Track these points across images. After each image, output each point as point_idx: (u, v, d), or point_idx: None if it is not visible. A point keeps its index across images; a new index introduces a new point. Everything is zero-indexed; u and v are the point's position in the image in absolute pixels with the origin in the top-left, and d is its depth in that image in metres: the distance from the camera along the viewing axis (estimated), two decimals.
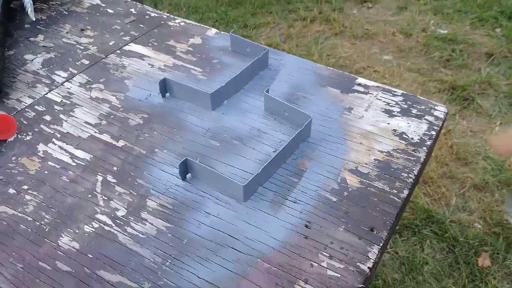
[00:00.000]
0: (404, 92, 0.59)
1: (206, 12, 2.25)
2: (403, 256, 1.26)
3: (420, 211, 1.35)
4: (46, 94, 0.60)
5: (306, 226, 0.43)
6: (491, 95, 1.73)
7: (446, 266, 1.21)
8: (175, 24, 0.74)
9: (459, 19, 2.12)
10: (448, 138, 1.57)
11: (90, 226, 0.43)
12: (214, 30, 0.72)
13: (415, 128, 0.53)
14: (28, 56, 0.67)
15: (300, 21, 2.16)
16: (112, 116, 0.56)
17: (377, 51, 1.97)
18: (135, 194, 0.46)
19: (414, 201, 1.41)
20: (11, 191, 0.47)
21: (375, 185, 0.47)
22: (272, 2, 2.32)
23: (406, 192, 0.46)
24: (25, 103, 0.58)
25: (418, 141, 0.52)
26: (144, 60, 0.66)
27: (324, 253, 0.41)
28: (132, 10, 0.78)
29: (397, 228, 1.32)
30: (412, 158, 0.50)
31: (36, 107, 0.57)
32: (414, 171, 0.48)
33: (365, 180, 0.47)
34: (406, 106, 0.56)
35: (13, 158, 0.50)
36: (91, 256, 0.40)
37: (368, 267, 0.39)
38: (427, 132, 0.53)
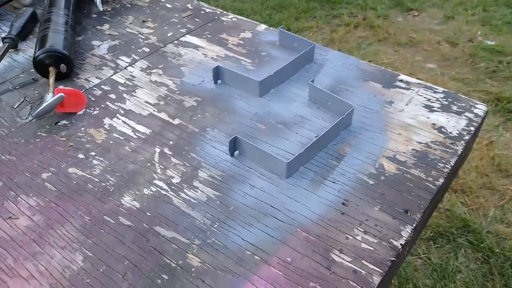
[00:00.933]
0: (445, 90, 0.61)
1: (251, 15, 2.31)
2: (436, 263, 1.25)
3: (457, 220, 1.33)
4: (111, 76, 0.66)
5: (343, 204, 0.46)
6: None
7: (479, 276, 1.19)
8: (228, 20, 0.79)
9: (507, 31, 2.07)
10: (490, 149, 1.54)
11: (149, 189, 0.48)
12: (263, 26, 0.77)
13: (454, 123, 0.55)
14: (95, 42, 0.74)
15: (343, 27, 2.18)
16: (169, 98, 0.61)
17: (421, 59, 1.95)
18: (188, 165, 0.51)
19: (451, 209, 1.39)
20: (81, 156, 0.53)
21: (412, 172, 0.49)
22: (316, 7, 2.35)
23: (441, 180, 0.48)
24: (93, 82, 0.65)
25: (457, 135, 0.54)
26: (198, 50, 0.71)
27: (359, 228, 0.44)
28: (189, 5, 0.84)
29: (431, 234, 1.31)
30: (450, 151, 0.52)
31: (102, 86, 0.64)
32: (451, 162, 0.50)
33: (402, 167, 0.50)
34: (446, 102, 0.58)
35: (82, 129, 0.57)
36: (149, 214, 0.45)
37: (401, 244, 0.42)
38: (466, 128, 0.55)
